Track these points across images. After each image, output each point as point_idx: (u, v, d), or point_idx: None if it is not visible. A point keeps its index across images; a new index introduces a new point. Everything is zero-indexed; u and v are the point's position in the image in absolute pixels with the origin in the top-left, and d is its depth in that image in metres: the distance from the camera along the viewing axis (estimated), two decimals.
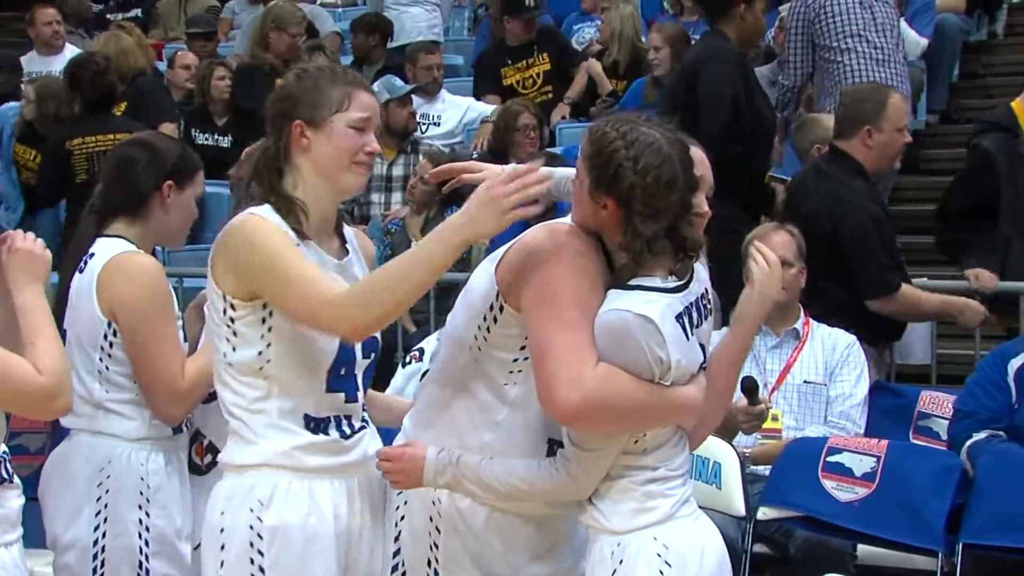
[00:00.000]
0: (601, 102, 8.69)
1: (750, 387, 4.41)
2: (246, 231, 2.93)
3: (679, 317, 2.82)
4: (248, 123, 8.12)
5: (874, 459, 4.56)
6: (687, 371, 2.84)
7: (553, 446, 2.90)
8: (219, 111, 8.79)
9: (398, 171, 7.93)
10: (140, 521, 3.52)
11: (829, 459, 4.60)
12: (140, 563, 3.51)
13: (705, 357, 2.93)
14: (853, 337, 5.17)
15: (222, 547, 2.97)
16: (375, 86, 8.17)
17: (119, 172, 3.66)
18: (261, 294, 2.93)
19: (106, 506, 3.51)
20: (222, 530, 2.97)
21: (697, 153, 2.91)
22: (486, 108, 8.80)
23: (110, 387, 3.53)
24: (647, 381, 2.78)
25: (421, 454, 2.92)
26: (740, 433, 4.64)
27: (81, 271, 3.54)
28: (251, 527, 2.95)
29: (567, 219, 2.94)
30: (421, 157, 7.67)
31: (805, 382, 5.03)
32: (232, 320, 2.95)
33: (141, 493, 3.53)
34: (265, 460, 2.97)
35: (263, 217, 2.96)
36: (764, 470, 4.84)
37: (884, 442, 4.66)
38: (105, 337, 3.49)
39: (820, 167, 5.67)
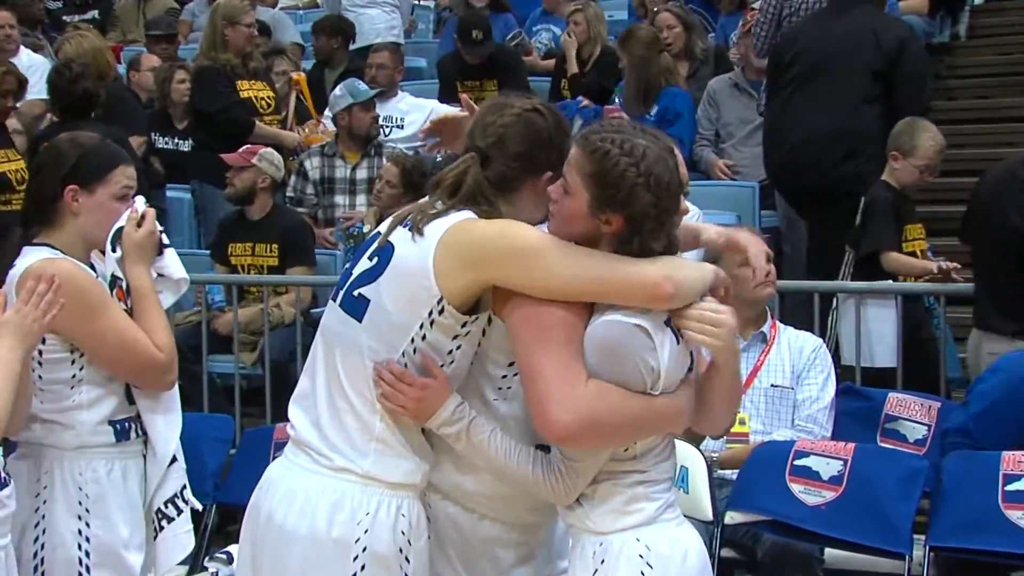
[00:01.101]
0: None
1: None
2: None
3: (668, 321, 2.83)
4: (209, 127, 8.10)
5: (841, 462, 4.57)
6: (676, 378, 2.85)
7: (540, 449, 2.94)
8: (179, 115, 8.74)
9: (362, 174, 7.92)
10: (80, 532, 3.50)
11: (796, 463, 4.61)
12: (80, 574, 3.48)
13: (694, 360, 2.94)
14: (820, 340, 5.19)
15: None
16: (337, 90, 8.15)
17: (31, 179, 3.68)
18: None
19: (44, 517, 3.50)
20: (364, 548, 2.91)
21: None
22: (450, 111, 8.75)
23: (44, 397, 3.51)
24: (638, 392, 2.80)
25: (445, 395, 2.90)
26: (707, 437, 4.64)
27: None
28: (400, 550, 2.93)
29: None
30: (385, 160, 7.67)
31: (772, 386, 5.04)
32: None
33: (80, 503, 3.51)
34: (414, 481, 2.96)
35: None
36: (732, 474, 4.84)
37: (851, 445, 4.67)
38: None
39: (1018, 174, 5.59)
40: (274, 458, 5.15)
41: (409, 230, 2.91)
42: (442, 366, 2.92)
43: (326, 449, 2.95)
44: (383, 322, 2.91)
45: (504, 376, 2.95)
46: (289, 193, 7.92)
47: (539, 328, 2.79)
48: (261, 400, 6.71)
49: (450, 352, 2.91)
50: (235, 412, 6.54)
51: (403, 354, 2.90)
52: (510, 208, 2.93)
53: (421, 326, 2.88)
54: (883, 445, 5.17)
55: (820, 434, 4.96)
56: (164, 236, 3.70)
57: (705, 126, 8.15)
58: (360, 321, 2.93)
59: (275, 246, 7.17)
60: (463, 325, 2.89)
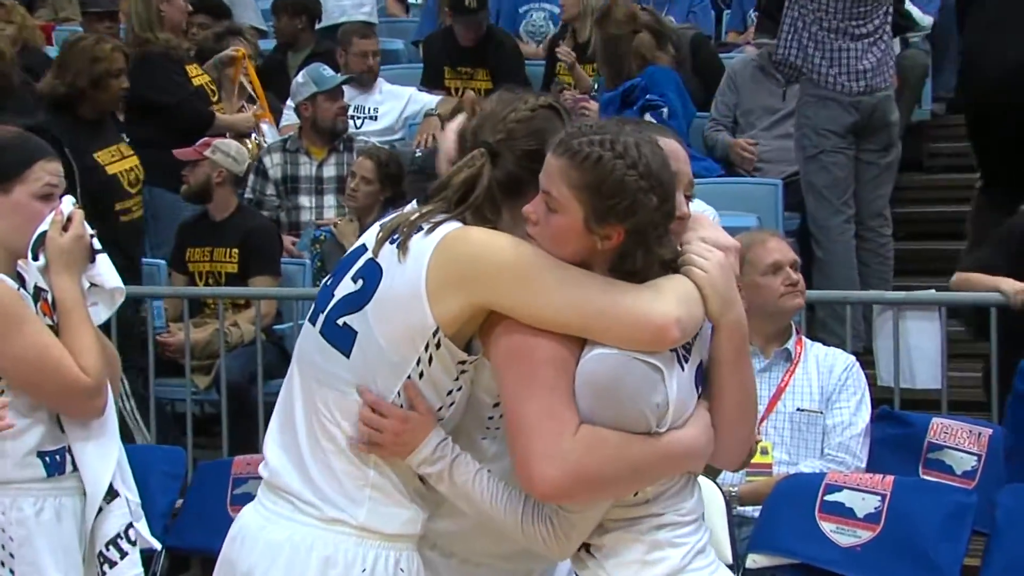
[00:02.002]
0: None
1: None
2: None
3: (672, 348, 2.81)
4: (161, 122, 8.06)
5: (878, 498, 4.58)
6: (687, 407, 2.83)
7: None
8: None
9: (329, 172, 7.92)
10: None
11: (827, 498, 4.62)
12: None
13: (700, 377, 2.91)
14: (852, 358, 5.20)
15: None
16: (300, 76, 8.15)
17: None
18: None
19: None
20: None
21: (671, 144, 2.92)
22: (430, 99, 8.79)
23: None
24: (641, 434, 2.76)
25: (428, 429, 2.87)
26: (725, 470, 4.64)
27: None
28: None
29: None
30: (356, 155, 7.66)
31: (798, 410, 5.05)
32: None
33: (3, 547, 3.50)
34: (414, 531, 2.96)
35: None
36: (753, 511, 4.85)
37: (889, 478, 4.68)
38: None
39: None
40: (232, 496, 5.14)
41: (397, 247, 2.87)
42: (440, 409, 2.89)
43: (314, 497, 2.92)
44: (376, 359, 2.87)
45: (492, 416, 2.93)
46: (248, 195, 7.90)
47: (524, 366, 2.76)
48: (216, 429, 6.70)
49: (450, 393, 2.89)
50: (187, 443, 6.53)
51: (398, 394, 2.87)
52: (509, 219, 2.90)
53: (419, 362, 2.84)
54: (926, 478, 5.17)
55: (854, 465, 4.97)
56: (96, 241, 3.68)
57: (722, 111, 8.17)
58: (348, 356, 2.90)
59: (235, 251, 7.15)
60: (462, 362, 2.86)
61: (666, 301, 2.77)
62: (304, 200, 7.92)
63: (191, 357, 6.74)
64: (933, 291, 6.09)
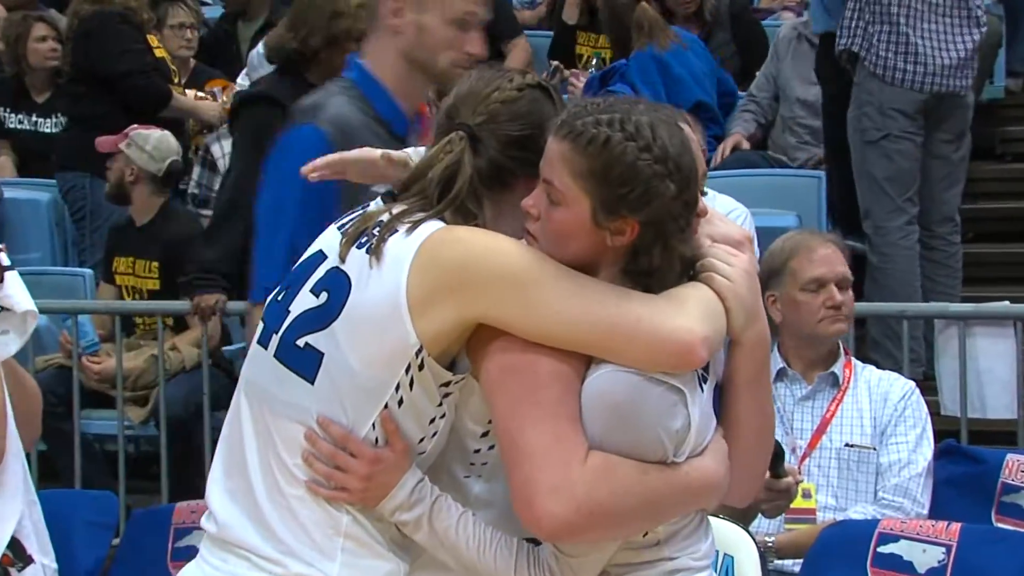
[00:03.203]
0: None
1: (772, 453, 4.43)
2: None
3: None
4: (102, 91, 8.05)
5: (943, 549, 4.59)
6: (705, 433, 2.85)
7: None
8: (39, 84, 8.76)
9: None
10: None
11: (881, 549, 4.63)
12: None
13: (718, 415, 2.94)
14: (911, 383, 5.20)
15: None
16: (252, 55, 8.14)
17: None
18: None
19: None
20: None
21: (684, 131, 2.94)
22: None
23: None
24: (656, 463, 2.78)
25: (402, 469, 2.87)
26: (760, 516, 4.66)
27: None
28: None
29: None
30: None
31: (847, 445, 5.06)
32: None
33: None
34: None
35: None
36: (794, 565, 4.86)
37: (956, 526, 4.69)
38: None
39: None
40: (173, 550, 5.14)
41: (368, 252, 2.87)
42: (422, 441, 2.88)
43: (275, 551, 2.91)
44: (346, 385, 2.86)
45: (478, 450, 2.94)
46: (192, 189, 7.91)
47: (524, 386, 2.77)
48: (155, 471, 6.71)
49: (433, 421, 2.88)
50: (118, 487, 6.54)
51: (373, 426, 2.87)
52: (492, 215, 2.92)
53: (398, 387, 2.83)
54: (1000, 525, 5.19)
55: (913, 511, 4.98)
56: (3, 256, 3.68)
57: (760, 83, 8.23)
58: (312, 382, 2.89)
59: (155, 265, 7.16)
60: (446, 384, 2.85)
61: (691, 316, 2.78)
62: None
63: (123, 386, 6.75)
64: (1007, 303, 6.10)
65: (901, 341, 6.15)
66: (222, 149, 7.93)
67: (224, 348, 6.97)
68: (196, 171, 7.94)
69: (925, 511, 5.01)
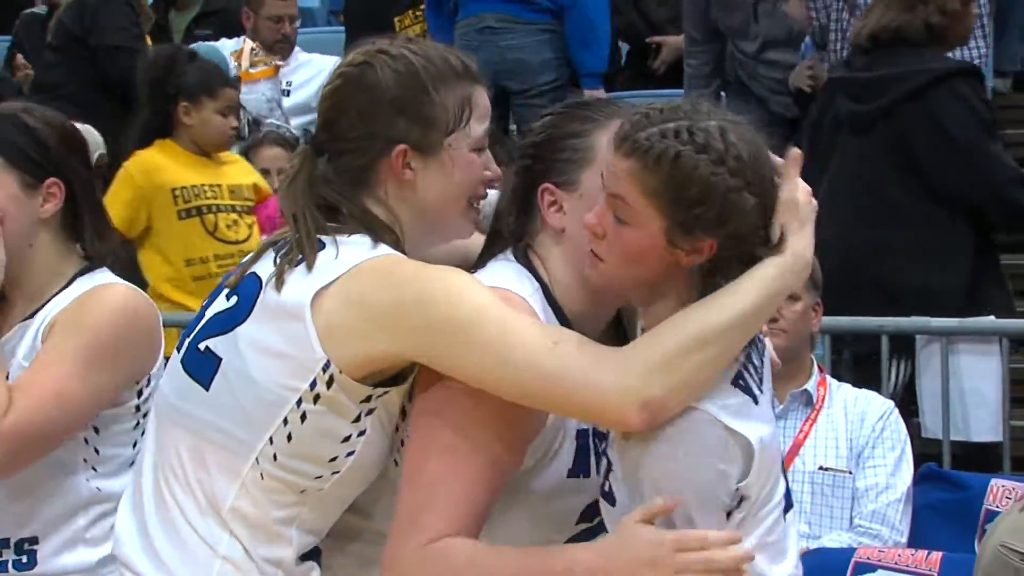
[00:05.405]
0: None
1: None
2: None
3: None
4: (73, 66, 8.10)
5: None
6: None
7: None
8: None
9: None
10: None
11: None
12: None
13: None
14: (890, 403, 5.22)
15: None
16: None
17: None
18: None
19: None
20: None
21: None
22: None
23: None
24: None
25: None
26: None
27: None
28: None
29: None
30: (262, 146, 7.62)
31: (821, 468, 5.08)
32: None
33: None
34: None
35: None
36: None
37: (937, 555, 4.71)
38: None
39: None
40: None
41: (282, 258, 2.87)
42: (335, 459, 2.88)
43: (157, 572, 2.93)
44: (242, 393, 2.86)
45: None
46: None
47: (451, 422, 2.78)
48: None
49: (347, 439, 2.87)
50: None
51: (270, 441, 2.84)
52: (411, 207, 2.93)
53: (300, 401, 2.82)
54: None
55: (892, 538, 5.00)
56: None
57: None
58: (207, 388, 2.89)
59: None
60: (366, 399, 2.85)
61: (638, 374, 2.70)
62: None
63: None
64: (992, 318, 6.11)
65: (879, 358, 6.13)
66: None
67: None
68: None
69: (904, 539, 5.03)
